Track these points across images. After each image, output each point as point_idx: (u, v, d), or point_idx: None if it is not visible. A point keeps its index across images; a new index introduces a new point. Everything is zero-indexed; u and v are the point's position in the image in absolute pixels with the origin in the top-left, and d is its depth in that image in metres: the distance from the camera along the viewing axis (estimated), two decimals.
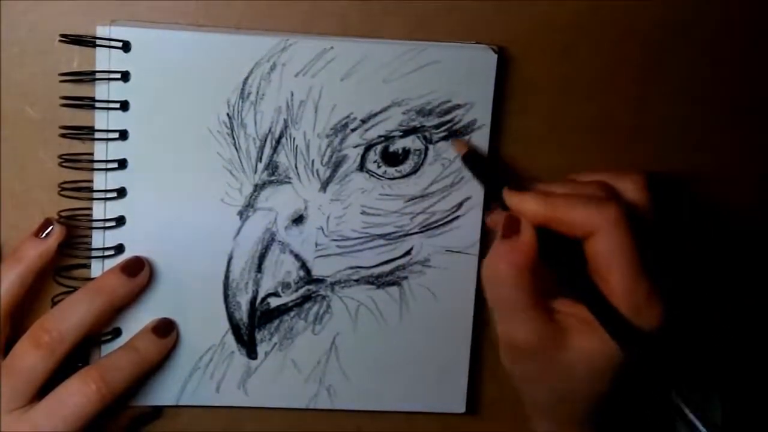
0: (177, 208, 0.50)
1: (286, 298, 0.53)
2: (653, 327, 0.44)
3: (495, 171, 0.52)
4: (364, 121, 0.51)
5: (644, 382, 0.45)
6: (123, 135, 0.49)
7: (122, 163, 0.49)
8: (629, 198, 0.47)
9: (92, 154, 0.49)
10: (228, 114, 0.50)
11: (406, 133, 0.51)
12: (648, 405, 0.49)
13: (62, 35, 0.48)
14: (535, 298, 0.45)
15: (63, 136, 0.49)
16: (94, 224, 0.50)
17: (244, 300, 0.52)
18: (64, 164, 0.49)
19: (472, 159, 0.51)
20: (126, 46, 0.48)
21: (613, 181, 0.48)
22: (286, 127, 0.50)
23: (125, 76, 0.49)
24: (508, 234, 0.45)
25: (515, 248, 0.45)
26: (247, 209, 0.51)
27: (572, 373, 0.45)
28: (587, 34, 0.54)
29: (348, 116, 0.51)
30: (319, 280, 0.53)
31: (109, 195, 0.49)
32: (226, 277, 0.52)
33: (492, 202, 0.51)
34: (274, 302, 0.52)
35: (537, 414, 0.49)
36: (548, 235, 0.45)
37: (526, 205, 0.46)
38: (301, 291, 0.53)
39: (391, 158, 0.52)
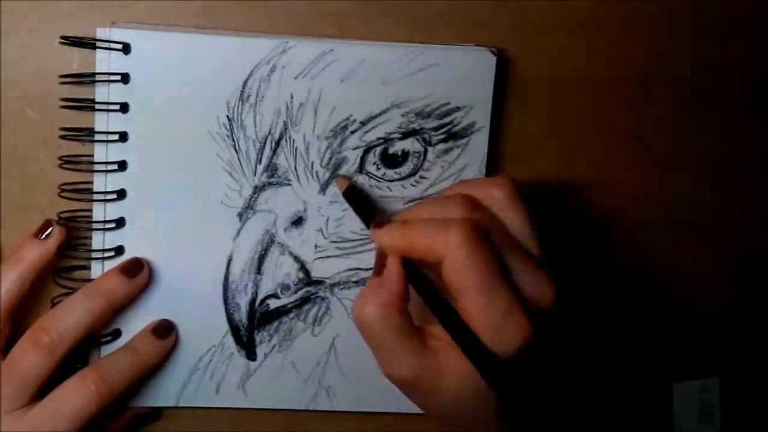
0: (177, 209, 0.50)
1: (285, 300, 0.53)
2: (516, 346, 0.43)
3: (371, 208, 0.51)
4: (363, 123, 0.51)
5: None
6: (123, 137, 0.49)
7: (122, 165, 0.50)
8: (498, 205, 0.46)
9: (92, 155, 0.49)
10: (228, 116, 0.50)
11: (406, 135, 0.51)
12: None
13: (62, 37, 0.48)
14: (405, 333, 0.44)
15: (63, 137, 0.49)
16: (94, 226, 0.50)
17: (243, 301, 0.52)
18: (64, 166, 0.49)
19: (351, 195, 0.51)
20: (126, 48, 0.48)
21: (478, 190, 0.47)
22: (285, 129, 0.50)
23: (125, 78, 0.49)
24: (376, 272, 0.45)
25: (380, 286, 0.45)
26: (246, 211, 0.51)
27: (457, 397, 0.44)
28: (586, 36, 0.54)
29: (347, 118, 0.51)
30: (319, 282, 0.53)
31: (108, 196, 0.50)
32: (226, 279, 0.52)
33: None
34: (273, 304, 0.52)
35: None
36: (413, 270, 0.45)
37: (384, 238, 0.46)
38: (301, 293, 0.53)
39: (391, 160, 0.52)
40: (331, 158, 0.51)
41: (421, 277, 0.45)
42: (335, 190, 0.51)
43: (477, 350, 0.43)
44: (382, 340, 0.44)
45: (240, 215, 0.51)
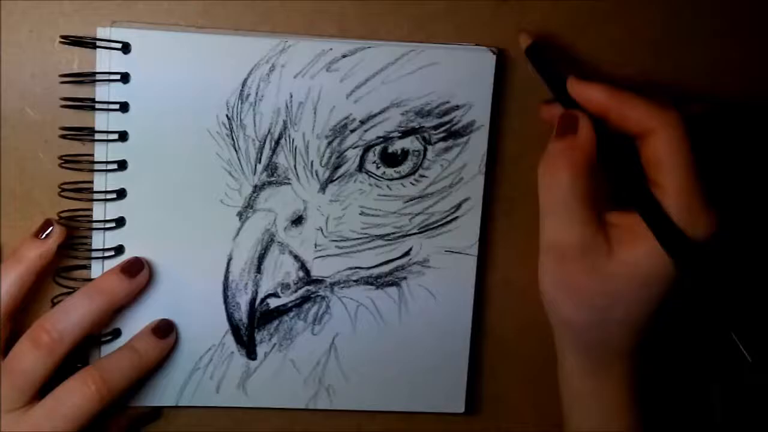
0: (177, 209, 0.51)
1: (285, 299, 0.53)
2: (707, 235, 0.43)
3: (558, 66, 0.50)
4: (363, 122, 0.51)
5: (695, 308, 0.44)
6: (123, 136, 0.49)
7: (122, 164, 0.50)
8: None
9: (92, 155, 0.49)
10: (227, 115, 0.50)
11: (405, 133, 0.52)
12: (698, 338, 0.46)
13: (62, 36, 0.48)
14: (588, 201, 0.44)
15: (63, 137, 0.49)
16: (94, 225, 0.50)
17: (243, 301, 0.52)
18: (64, 165, 0.49)
19: (534, 53, 0.49)
20: (126, 48, 0.48)
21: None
22: (285, 128, 0.50)
23: (125, 78, 0.49)
24: (564, 132, 0.45)
25: (573, 146, 0.44)
26: (246, 210, 0.51)
27: (615, 287, 0.44)
28: (586, 35, 0.54)
29: (347, 117, 0.51)
30: (319, 281, 0.53)
31: (109, 196, 0.50)
32: (226, 278, 0.52)
33: (551, 97, 0.49)
34: (273, 303, 0.53)
35: (569, 343, 0.48)
36: (604, 137, 0.44)
37: (591, 92, 0.45)
38: (301, 292, 0.53)
39: (390, 159, 0.52)
40: (330, 157, 0.51)
41: (611, 144, 0.44)
42: (335, 188, 0.51)
43: (673, 233, 0.42)
44: (565, 204, 0.44)
45: (240, 214, 0.51)
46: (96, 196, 0.50)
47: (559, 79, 0.48)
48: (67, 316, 0.47)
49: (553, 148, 0.45)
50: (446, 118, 0.52)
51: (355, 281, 0.53)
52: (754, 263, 0.54)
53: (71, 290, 0.50)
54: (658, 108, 0.44)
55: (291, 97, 0.50)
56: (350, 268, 0.53)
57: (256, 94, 0.50)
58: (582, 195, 0.44)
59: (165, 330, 0.51)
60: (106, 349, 0.51)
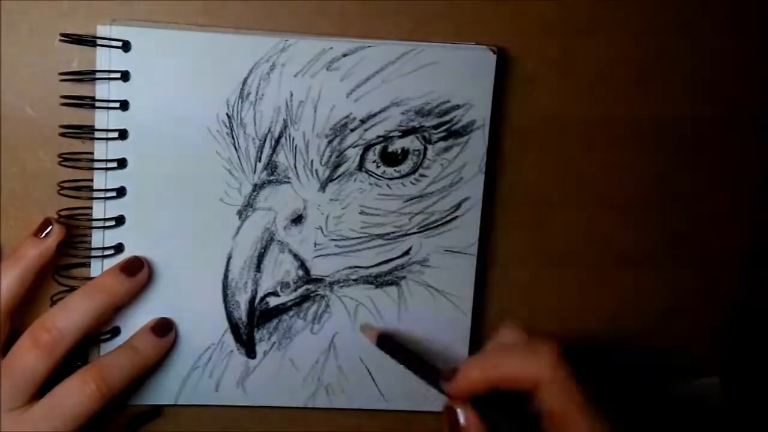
0: (176, 207, 0.50)
1: (285, 298, 0.53)
2: None
3: (420, 360, 0.50)
4: (363, 121, 0.51)
5: None
6: (123, 134, 0.49)
7: (122, 163, 0.49)
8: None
9: (92, 153, 0.49)
10: (227, 114, 0.50)
11: (405, 133, 0.51)
12: None
13: (63, 35, 0.48)
14: None
15: (63, 135, 0.49)
16: (94, 223, 0.50)
17: (243, 299, 0.52)
18: (63, 163, 0.49)
19: (385, 344, 0.51)
20: (126, 46, 0.48)
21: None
22: (285, 127, 0.50)
23: (125, 76, 0.49)
24: (451, 429, 0.45)
25: None
26: (246, 209, 0.51)
27: None
28: (586, 35, 0.54)
29: (347, 116, 0.51)
30: (318, 280, 0.53)
31: (108, 194, 0.50)
32: (225, 277, 0.52)
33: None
34: (273, 301, 0.52)
35: None
36: (498, 402, 0.45)
37: (464, 384, 0.45)
38: (300, 290, 0.53)
39: (390, 158, 0.52)
40: (330, 156, 0.51)
41: (502, 414, 0.45)
42: (335, 187, 0.51)
43: None
44: None
45: (240, 213, 0.51)
46: (96, 194, 0.50)
47: (419, 361, 0.49)
48: (67, 315, 0.47)
49: None
50: (446, 118, 0.52)
51: (354, 280, 0.53)
52: None
53: (71, 289, 0.50)
54: (534, 356, 0.44)
55: (291, 95, 0.50)
56: (350, 267, 0.53)
57: (257, 92, 0.50)
58: None
59: (164, 328, 0.51)
60: (106, 348, 0.51)
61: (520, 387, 0.44)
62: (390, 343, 0.52)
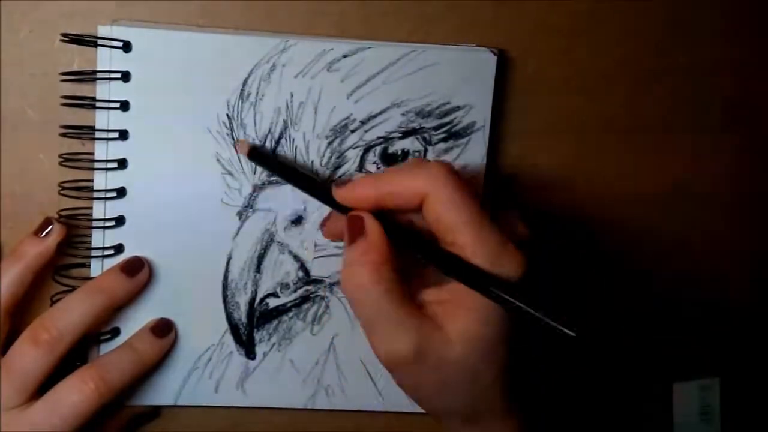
0: (176, 208, 0.50)
1: (284, 299, 0.53)
2: (518, 273, 0.41)
3: (304, 174, 0.49)
4: (363, 123, 0.51)
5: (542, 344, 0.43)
6: (123, 135, 0.49)
7: (122, 163, 0.50)
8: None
9: (92, 153, 0.49)
10: (228, 114, 0.50)
11: (406, 134, 0.52)
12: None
13: (63, 35, 0.48)
14: (403, 299, 0.42)
15: (64, 135, 0.49)
16: (94, 224, 0.50)
17: (243, 300, 0.52)
18: (64, 163, 0.49)
19: (257, 155, 0.49)
20: (127, 46, 0.48)
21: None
22: (285, 127, 0.50)
23: (126, 76, 0.49)
24: (354, 238, 0.43)
25: (366, 249, 0.42)
26: (246, 210, 0.51)
27: (467, 363, 0.42)
28: (586, 36, 0.54)
29: (347, 117, 0.51)
30: (318, 281, 0.53)
31: (108, 195, 0.50)
32: (225, 278, 0.52)
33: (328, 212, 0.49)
34: (272, 302, 0.53)
35: (456, 423, 0.45)
36: (391, 224, 0.43)
37: (356, 191, 0.44)
38: (300, 291, 0.53)
39: (391, 159, 0.52)
40: (331, 157, 0.51)
41: (398, 228, 0.43)
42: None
43: (481, 276, 0.41)
44: (380, 309, 0.42)
45: (240, 214, 0.51)
46: (96, 194, 0.50)
47: (317, 186, 0.48)
48: (67, 315, 0.47)
49: (349, 259, 0.43)
50: (447, 119, 0.52)
51: None
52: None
53: (71, 289, 0.50)
54: (420, 170, 0.43)
55: (291, 96, 0.50)
56: None
57: (257, 93, 0.50)
58: (396, 296, 0.42)
59: (164, 329, 0.51)
60: (105, 348, 0.51)
61: (408, 204, 0.43)
62: (263, 155, 0.49)
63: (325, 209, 0.51)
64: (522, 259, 0.42)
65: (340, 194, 0.45)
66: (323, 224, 0.51)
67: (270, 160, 0.50)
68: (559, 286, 0.53)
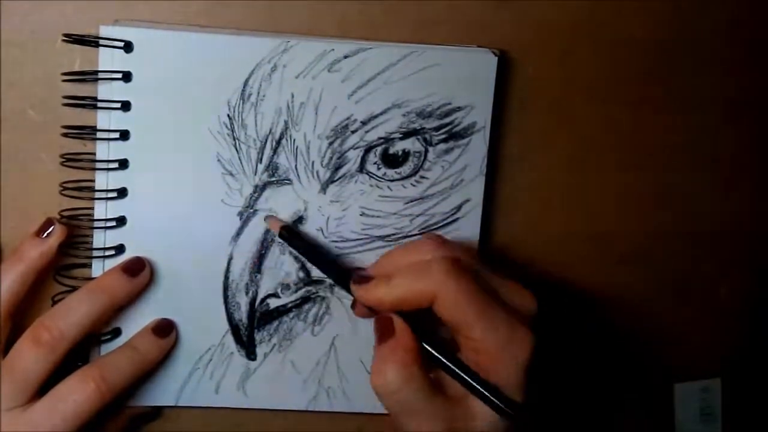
0: (177, 208, 0.51)
1: (285, 299, 0.53)
2: (526, 358, 0.44)
3: (331, 260, 0.51)
4: (364, 123, 0.51)
5: None
6: (124, 135, 0.49)
7: (123, 163, 0.50)
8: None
9: (94, 154, 0.49)
10: (229, 115, 0.50)
11: (406, 135, 0.52)
12: None
13: (65, 35, 0.48)
14: (430, 391, 0.44)
15: (65, 135, 0.49)
16: (95, 224, 0.50)
17: (243, 301, 0.52)
18: (65, 164, 0.49)
19: (289, 235, 0.51)
20: (128, 47, 0.48)
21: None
22: (286, 128, 0.50)
23: (127, 77, 0.49)
24: (384, 338, 0.45)
25: (395, 347, 0.45)
26: (247, 210, 0.51)
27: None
28: (587, 37, 0.54)
29: (348, 118, 0.51)
30: (319, 282, 0.53)
31: (110, 195, 0.50)
32: (226, 278, 0.52)
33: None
34: (273, 303, 0.53)
35: None
36: (418, 326, 0.46)
37: (372, 295, 0.46)
38: (301, 292, 0.53)
39: (391, 160, 0.52)
40: (331, 158, 0.51)
41: (422, 331, 0.46)
42: (335, 189, 0.51)
43: (496, 397, 0.44)
44: (411, 404, 0.44)
45: (240, 214, 0.51)
46: (97, 194, 0.50)
47: (323, 256, 0.51)
48: (68, 315, 0.47)
49: (379, 356, 0.45)
50: (447, 120, 0.52)
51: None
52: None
53: (72, 289, 0.50)
54: (424, 276, 0.45)
55: (292, 97, 0.50)
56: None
57: (258, 93, 0.50)
58: (425, 392, 0.44)
59: (165, 329, 0.51)
60: (106, 348, 0.51)
61: (421, 305, 0.45)
62: (294, 235, 0.51)
63: (325, 210, 0.51)
64: (530, 336, 0.45)
65: (359, 295, 0.47)
66: (353, 306, 0.52)
67: (299, 240, 0.51)
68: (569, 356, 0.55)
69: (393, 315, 0.46)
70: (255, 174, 0.51)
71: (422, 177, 0.52)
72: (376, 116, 0.51)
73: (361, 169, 0.52)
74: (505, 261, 0.56)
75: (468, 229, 0.53)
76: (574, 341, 0.56)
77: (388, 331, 0.45)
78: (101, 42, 0.48)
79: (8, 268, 0.48)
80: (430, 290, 0.44)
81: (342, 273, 0.49)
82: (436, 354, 0.45)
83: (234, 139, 0.50)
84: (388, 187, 0.52)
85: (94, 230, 0.50)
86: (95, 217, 0.50)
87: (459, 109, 0.52)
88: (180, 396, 0.53)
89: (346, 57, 0.50)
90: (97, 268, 0.50)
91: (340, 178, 0.51)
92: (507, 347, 0.44)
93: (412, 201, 0.52)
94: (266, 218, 0.51)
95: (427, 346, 0.45)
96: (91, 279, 0.50)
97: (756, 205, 0.59)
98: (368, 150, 0.51)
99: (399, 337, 0.45)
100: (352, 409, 0.55)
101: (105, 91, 0.49)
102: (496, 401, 0.44)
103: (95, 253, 0.50)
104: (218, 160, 0.50)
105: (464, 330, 0.44)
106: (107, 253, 0.50)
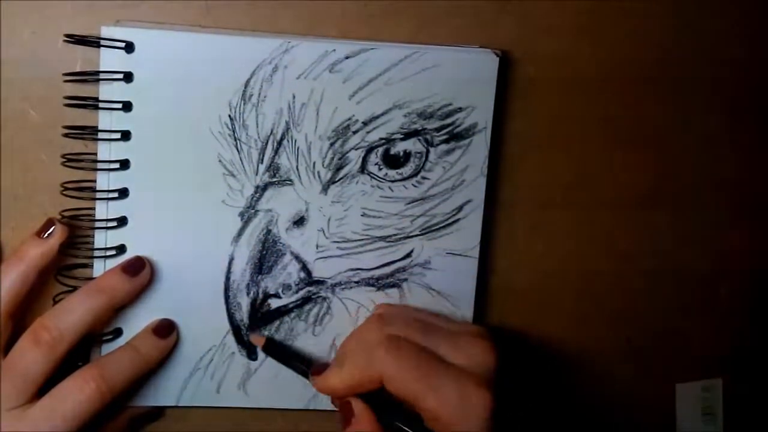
0: (178, 208, 0.51)
1: (286, 300, 0.53)
2: (487, 412, 0.45)
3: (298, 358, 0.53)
4: (365, 124, 0.51)
5: None
6: (125, 135, 0.49)
7: (124, 164, 0.50)
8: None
9: (95, 154, 0.49)
10: (230, 115, 0.50)
11: (408, 135, 0.52)
12: None
13: (66, 35, 0.48)
14: None
15: (66, 135, 0.49)
16: (96, 224, 0.50)
17: (244, 301, 0.52)
18: (66, 164, 0.49)
19: (272, 348, 0.53)
20: (129, 47, 0.48)
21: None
22: (287, 129, 0.50)
23: (128, 77, 0.49)
24: (347, 422, 0.48)
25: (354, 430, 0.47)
26: (248, 210, 0.51)
27: None
28: (588, 38, 0.54)
29: (349, 118, 0.51)
30: (320, 282, 0.53)
31: (111, 195, 0.50)
32: (227, 278, 0.52)
33: None
34: (274, 303, 0.53)
35: None
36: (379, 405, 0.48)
37: (328, 384, 0.49)
38: (302, 292, 0.53)
39: (392, 161, 0.52)
40: (333, 158, 0.51)
41: (384, 407, 0.48)
42: (337, 189, 0.51)
43: None
44: None
45: (242, 215, 0.51)
46: (98, 195, 0.50)
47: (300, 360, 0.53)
48: (68, 315, 0.47)
49: None
50: (449, 120, 0.52)
51: (356, 282, 0.53)
52: None
53: (73, 289, 0.50)
54: (367, 360, 0.47)
55: (294, 97, 0.50)
56: (351, 270, 0.53)
57: (259, 94, 0.50)
58: None
59: (166, 330, 0.51)
60: (107, 349, 0.51)
61: (374, 387, 0.47)
62: (274, 347, 0.53)
63: (326, 210, 0.52)
64: (484, 394, 0.46)
65: (315, 385, 0.49)
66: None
67: (282, 352, 0.53)
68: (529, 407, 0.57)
69: (352, 399, 0.48)
70: (256, 174, 0.51)
71: (423, 178, 0.52)
72: (377, 117, 0.51)
73: (363, 169, 0.52)
74: (506, 261, 0.56)
75: (469, 229, 0.53)
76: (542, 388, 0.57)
77: (349, 415, 0.48)
78: (102, 42, 0.48)
79: (9, 268, 0.48)
80: (376, 372, 0.46)
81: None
82: (403, 427, 0.47)
83: (235, 140, 0.50)
84: (390, 187, 0.52)
85: (95, 230, 0.50)
86: (96, 218, 0.50)
87: (460, 109, 0.52)
88: (181, 396, 0.53)
89: (347, 57, 0.50)
90: (98, 268, 0.50)
91: (341, 178, 0.51)
92: (463, 410, 0.45)
93: (413, 202, 0.52)
94: (250, 336, 0.53)
95: (398, 423, 0.47)
96: (91, 279, 0.50)
97: (756, 204, 0.59)
98: (369, 151, 0.51)
99: (358, 421, 0.47)
100: None
101: (106, 91, 0.49)
102: None
103: (96, 253, 0.50)
104: (219, 161, 0.50)
105: (418, 402, 0.46)
106: (108, 253, 0.50)
